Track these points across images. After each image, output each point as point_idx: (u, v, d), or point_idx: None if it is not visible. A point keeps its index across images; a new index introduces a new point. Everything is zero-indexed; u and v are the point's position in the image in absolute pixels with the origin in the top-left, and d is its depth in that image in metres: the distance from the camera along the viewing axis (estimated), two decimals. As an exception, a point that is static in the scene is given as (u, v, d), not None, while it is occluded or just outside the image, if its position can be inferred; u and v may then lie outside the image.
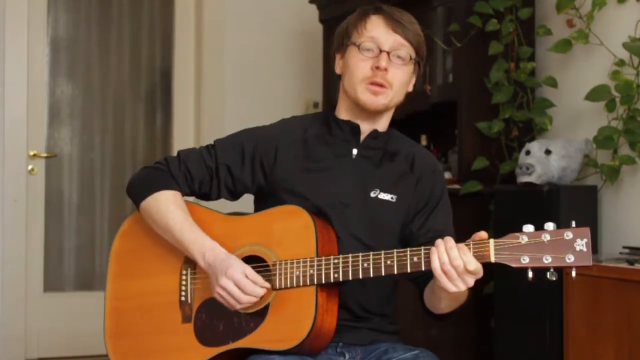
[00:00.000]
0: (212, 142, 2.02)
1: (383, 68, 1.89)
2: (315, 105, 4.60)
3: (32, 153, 4.32)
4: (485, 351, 3.30)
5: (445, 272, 1.65)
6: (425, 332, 3.27)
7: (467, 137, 3.41)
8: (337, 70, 2.00)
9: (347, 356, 1.90)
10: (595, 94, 3.10)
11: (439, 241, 1.67)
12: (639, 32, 3.04)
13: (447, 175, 3.66)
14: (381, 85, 1.90)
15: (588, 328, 2.80)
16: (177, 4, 4.64)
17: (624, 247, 2.93)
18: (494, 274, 3.19)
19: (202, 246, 1.86)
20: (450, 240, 1.67)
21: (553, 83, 3.30)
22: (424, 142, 3.90)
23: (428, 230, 1.91)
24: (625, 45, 3.01)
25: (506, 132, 3.40)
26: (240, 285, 1.79)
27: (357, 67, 1.92)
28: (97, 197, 4.50)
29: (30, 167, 4.32)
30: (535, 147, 3.11)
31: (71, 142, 4.48)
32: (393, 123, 4.19)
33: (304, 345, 1.77)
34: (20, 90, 4.26)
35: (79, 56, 4.50)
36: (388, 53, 1.90)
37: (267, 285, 1.81)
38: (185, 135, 4.61)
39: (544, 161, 3.06)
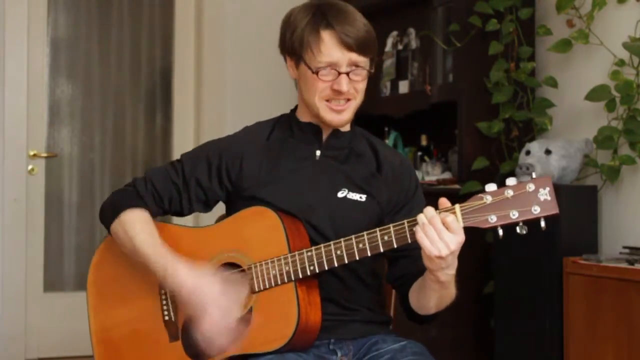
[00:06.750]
0: (179, 157, 2.02)
1: (344, 92, 1.87)
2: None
3: (32, 153, 4.32)
4: (485, 351, 3.30)
5: (425, 234, 1.64)
6: (425, 332, 3.27)
7: (467, 137, 3.41)
8: (292, 75, 1.96)
9: (339, 354, 1.91)
10: (595, 94, 3.10)
11: None
12: (639, 32, 3.04)
13: (447, 175, 3.67)
14: (346, 100, 1.89)
15: (588, 328, 2.80)
16: (177, 4, 4.64)
17: (624, 247, 2.93)
18: (494, 274, 3.19)
19: (165, 262, 1.86)
20: None
21: (553, 83, 3.30)
22: (424, 142, 3.90)
23: None
24: (625, 45, 3.01)
25: (506, 132, 3.40)
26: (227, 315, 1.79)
27: (315, 87, 1.88)
28: (97, 197, 4.50)
29: (30, 167, 4.32)
30: (535, 147, 3.11)
31: (71, 142, 4.48)
32: (393, 122, 4.17)
33: (293, 342, 1.78)
34: (20, 90, 4.26)
35: (79, 56, 4.50)
36: (347, 73, 1.87)
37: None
38: (185, 135, 4.61)
39: (544, 161, 3.06)
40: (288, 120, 2.02)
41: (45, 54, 4.40)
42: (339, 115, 1.91)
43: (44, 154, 4.38)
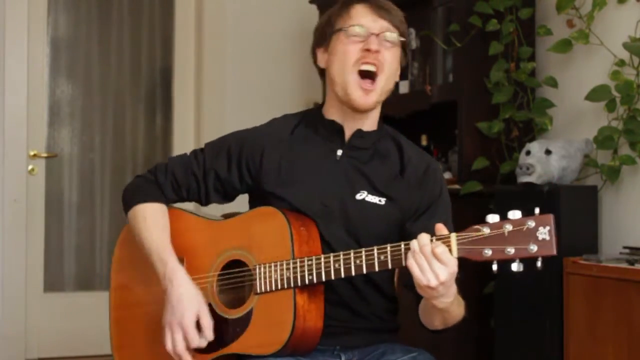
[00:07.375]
0: (203, 146, 2.03)
1: (374, 50, 1.86)
2: (316, 105, 4.61)
3: (32, 153, 4.32)
4: (485, 351, 3.30)
5: (416, 261, 1.61)
6: (425, 332, 3.27)
7: (467, 137, 3.41)
8: (322, 64, 1.96)
9: (343, 358, 1.89)
10: (595, 94, 3.10)
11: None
12: (639, 32, 3.04)
13: (447, 175, 3.66)
14: (372, 79, 1.87)
15: (588, 328, 2.80)
16: (177, 4, 4.64)
17: (624, 247, 2.93)
18: (494, 274, 3.19)
19: (165, 267, 1.89)
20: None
21: (553, 83, 3.30)
22: (424, 142, 3.90)
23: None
24: (625, 45, 3.01)
25: (506, 132, 3.40)
26: (187, 337, 1.83)
27: (346, 50, 1.88)
28: (97, 197, 4.50)
29: (30, 167, 4.32)
30: (536, 147, 3.11)
31: (71, 142, 4.48)
32: (393, 122, 4.18)
33: (288, 348, 1.77)
34: (20, 90, 4.26)
35: (79, 56, 4.50)
36: (377, 35, 1.87)
37: (210, 337, 1.84)
38: (185, 135, 4.61)
39: (544, 161, 3.06)
40: (314, 116, 2.00)
41: (45, 54, 4.40)
42: (366, 96, 1.88)
43: (44, 154, 4.38)
